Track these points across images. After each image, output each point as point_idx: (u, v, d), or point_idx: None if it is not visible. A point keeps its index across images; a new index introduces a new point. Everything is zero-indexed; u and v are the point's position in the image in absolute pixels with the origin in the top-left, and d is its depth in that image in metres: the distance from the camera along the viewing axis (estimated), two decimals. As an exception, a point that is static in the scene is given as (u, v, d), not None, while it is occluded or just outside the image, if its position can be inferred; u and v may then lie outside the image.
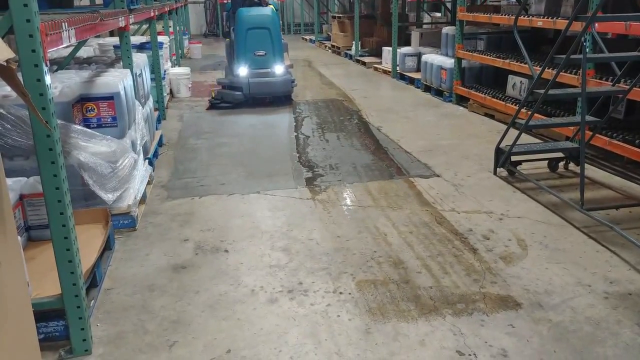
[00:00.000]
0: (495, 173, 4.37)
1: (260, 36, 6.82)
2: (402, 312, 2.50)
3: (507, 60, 5.76)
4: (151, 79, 5.64)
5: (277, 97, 7.10)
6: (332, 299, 2.60)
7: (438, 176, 4.36)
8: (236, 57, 6.88)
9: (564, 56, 3.49)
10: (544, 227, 3.39)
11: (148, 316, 2.50)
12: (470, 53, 6.61)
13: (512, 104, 5.71)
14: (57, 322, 2.26)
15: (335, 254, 3.06)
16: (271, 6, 7.42)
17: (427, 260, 2.98)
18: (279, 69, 6.91)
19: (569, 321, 2.42)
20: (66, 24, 2.26)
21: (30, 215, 2.90)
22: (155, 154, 4.78)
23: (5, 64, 1.29)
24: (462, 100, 6.94)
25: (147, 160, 4.18)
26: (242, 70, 6.79)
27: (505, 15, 5.86)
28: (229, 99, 6.89)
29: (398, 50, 9.09)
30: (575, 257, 2.99)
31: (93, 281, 2.68)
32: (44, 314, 2.19)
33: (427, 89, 7.85)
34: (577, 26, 3.89)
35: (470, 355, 2.19)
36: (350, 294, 2.65)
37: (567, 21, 3.57)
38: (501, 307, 2.53)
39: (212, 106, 6.93)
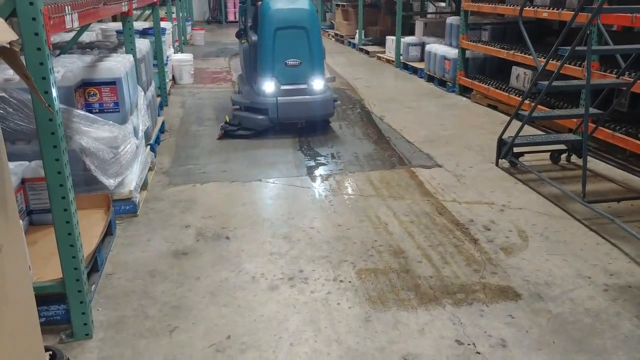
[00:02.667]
0: (497, 164, 4.36)
1: (294, 39, 4.91)
2: (402, 301, 2.50)
3: (511, 51, 5.72)
4: (154, 65, 5.62)
5: (313, 122, 5.27)
6: (332, 287, 2.61)
7: (440, 166, 4.36)
8: (260, 67, 4.97)
9: (568, 48, 3.47)
10: (545, 218, 3.39)
11: (149, 301, 2.51)
12: (474, 43, 6.57)
13: (515, 95, 5.68)
14: (58, 306, 2.27)
15: (336, 243, 3.06)
16: None
17: (427, 250, 2.98)
18: (318, 84, 5.00)
19: (568, 312, 2.42)
20: (69, 7, 2.25)
21: (32, 199, 2.90)
22: (157, 140, 4.77)
23: (8, 46, 1.28)
24: (465, 91, 6.91)
25: (149, 147, 4.17)
26: (268, 86, 4.91)
27: (510, 5, 5.81)
28: (248, 125, 5.03)
29: (402, 39, 9.04)
30: (575, 249, 2.99)
31: (94, 266, 2.69)
32: (45, 297, 2.19)
33: (431, 79, 7.81)
34: (583, 18, 3.87)
35: (469, 344, 2.20)
36: (350, 282, 2.66)
37: (573, 13, 3.55)
38: (501, 298, 2.54)
39: (227, 134, 5.05)
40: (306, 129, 5.20)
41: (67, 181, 2.07)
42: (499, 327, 2.31)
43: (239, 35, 5.76)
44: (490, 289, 2.61)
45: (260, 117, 4.98)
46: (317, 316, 2.38)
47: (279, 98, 4.90)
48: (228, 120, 5.13)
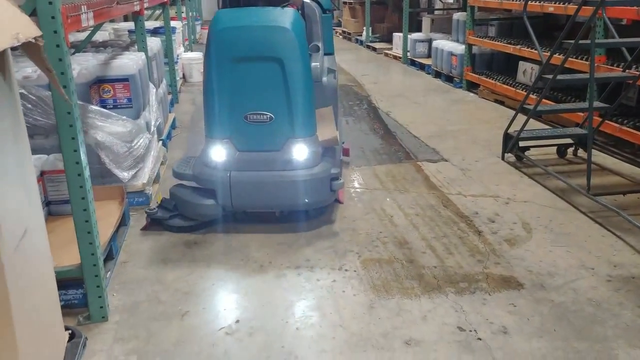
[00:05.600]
0: (503, 158, 4.41)
1: (261, 78, 2.94)
2: (406, 289, 2.57)
3: (518, 46, 5.76)
4: (164, 63, 5.72)
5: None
6: (337, 276, 2.69)
7: (446, 160, 4.41)
8: (206, 119, 3.10)
9: (573, 41, 3.51)
10: (550, 211, 3.43)
11: (161, 287, 2.60)
12: (480, 39, 6.60)
13: (522, 90, 5.71)
14: (76, 290, 2.37)
15: (342, 234, 3.13)
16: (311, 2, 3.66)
17: (431, 241, 3.05)
18: (300, 152, 3.05)
19: (570, 302, 2.48)
20: (85, 6, 2.35)
21: (50, 191, 3.00)
22: (169, 136, 4.87)
23: (33, 40, 1.38)
24: (472, 87, 6.95)
25: (161, 142, 4.27)
26: (217, 152, 3.06)
27: (516, 0, 5.84)
28: (186, 212, 3.14)
29: (409, 36, 9.08)
30: (580, 241, 3.04)
31: (109, 254, 2.79)
32: (63, 282, 2.29)
33: (438, 75, 7.85)
34: (589, 12, 3.90)
35: (470, 331, 2.27)
36: (355, 271, 2.73)
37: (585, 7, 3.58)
38: (503, 287, 2.60)
39: (153, 223, 3.21)
40: (286, 218, 3.29)
41: (84, 171, 2.16)
42: (501, 315, 2.38)
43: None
44: (493, 279, 2.67)
45: (206, 201, 3.07)
46: (322, 303, 2.46)
47: (233, 173, 3.02)
48: (160, 202, 3.29)
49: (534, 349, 2.16)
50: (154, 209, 3.19)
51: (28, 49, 1.44)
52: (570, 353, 2.14)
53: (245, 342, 2.21)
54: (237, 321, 2.34)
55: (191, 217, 3.14)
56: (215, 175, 3.04)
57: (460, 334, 2.25)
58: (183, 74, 7.77)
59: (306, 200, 3.10)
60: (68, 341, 2.01)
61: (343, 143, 3.24)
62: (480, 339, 2.22)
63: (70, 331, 2.04)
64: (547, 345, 2.18)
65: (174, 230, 3.14)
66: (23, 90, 2.98)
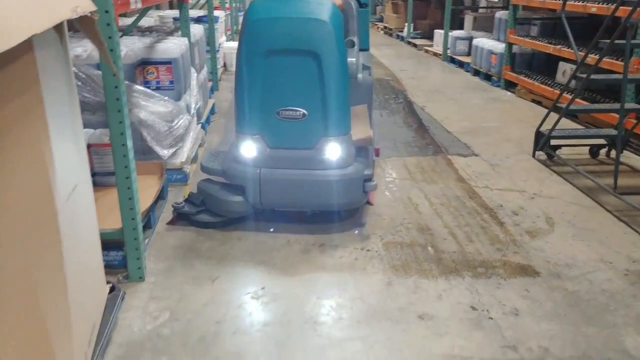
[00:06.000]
0: (534, 156, 4.43)
1: (296, 72, 2.86)
2: (424, 270, 2.68)
3: (558, 47, 5.72)
4: (206, 52, 5.94)
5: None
6: (359, 255, 2.81)
7: (476, 155, 4.46)
8: (236, 114, 3.04)
9: (608, 41, 3.51)
10: (575, 207, 3.46)
11: (195, 255, 2.79)
12: (521, 38, 6.57)
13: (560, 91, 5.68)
14: (116, 252, 2.58)
15: (367, 218, 3.25)
16: None
17: (454, 229, 3.13)
18: (333, 151, 2.96)
19: (584, 291, 2.53)
20: (136, -11, 2.54)
21: (96, 163, 3.23)
22: (208, 121, 5.08)
23: (89, 14, 1.55)
24: (510, 86, 6.92)
25: (199, 125, 4.48)
26: (247, 148, 2.99)
27: (559, 0, 5.79)
28: (214, 207, 3.09)
29: (450, 33, 9.07)
30: (601, 237, 3.07)
31: (148, 223, 2.99)
32: (105, 244, 2.49)
33: (476, 73, 7.83)
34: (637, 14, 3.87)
35: (483, 311, 2.36)
36: (377, 252, 2.85)
37: (624, 7, 3.58)
38: (519, 274, 2.67)
39: (181, 218, 3.17)
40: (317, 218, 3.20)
41: (127, 141, 2.36)
42: (514, 299, 2.45)
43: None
44: (510, 266, 2.74)
45: (234, 198, 3.01)
46: (343, 277, 2.60)
47: (263, 170, 2.97)
48: (187, 196, 3.25)
49: (543, 330, 2.23)
50: (181, 203, 3.12)
51: (83, 23, 1.62)
52: (579, 336, 2.20)
53: (269, 306, 2.37)
54: (263, 288, 2.50)
55: (219, 214, 3.07)
56: (244, 172, 2.97)
57: (472, 313, 2.34)
58: (224, 63, 8.00)
59: (338, 201, 3.02)
60: (108, 294, 2.21)
61: (369, 141, 3.17)
62: (491, 318, 2.31)
63: (110, 285, 2.24)
64: (556, 328, 2.25)
65: (200, 225, 3.07)
66: (74, 68, 3.21)
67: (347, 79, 2.96)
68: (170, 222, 3.16)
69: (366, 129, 3.22)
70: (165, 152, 3.53)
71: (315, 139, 2.93)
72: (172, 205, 3.16)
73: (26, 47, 1.37)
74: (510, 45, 6.84)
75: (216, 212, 3.08)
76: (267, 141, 2.95)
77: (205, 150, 4.45)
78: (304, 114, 2.88)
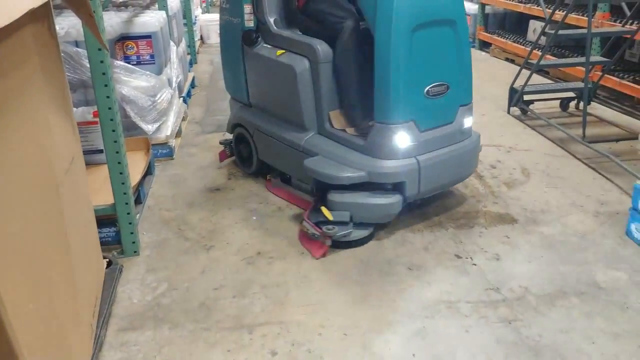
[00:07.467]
0: (509, 112, 4.58)
1: (439, 45, 2.66)
2: (410, 225, 2.82)
3: (528, 5, 5.83)
4: (183, 25, 5.90)
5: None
6: (347, 214, 2.93)
7: (453, 115, 4.58)
8: (380, 103, 2.60)
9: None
10: (548, 158, 3.63)
11: (187, 227, 2.88)
12: (492, -3, 6.65)
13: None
14: (109, 228, 2.61)
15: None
16: None
17: (435, 185, 3.27)
18: (468, 119, 2.87)
19: (558, 234, 2.71)
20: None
21: (81, 141, 3.26)
22: (189, 94, 5.10)
23: (79, -11, 1.60)
24: (485, 46, 7.04)
25: (181, 99, 4.50)
26: (401, 138, 2.60)
27: (528, -42, 5.88)
28: (366, 217, 2.67)
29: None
30: (573, 183, 3.25)
31: (137, 199, 3.04)
32: (98, 220, 2.53)
33: (450, 35, 7.90)
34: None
35: (467, 258, 2.52)
36: (364, 210, 2.97)
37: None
38: (499, 222, 2.83)
39: (332, 245, 2.61)
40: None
41: (116, 116, 2.40)
42: (495, 245, 2.62)
43: (250, 38, 3.06)
44: (490, 216, 2.90)
45: (388, 199, 2.63)
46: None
47: (419, 157, 2.65)
48: (331, 218, 2.62)
49: (523, 272, 2.40)
50: (333, 227, 2.55)
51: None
52: (555, 275, 2.38)
53: (265, 269, 2.48)
54: (259, 253, 2.61)
55: (369, 222, 2.68)
56: (401, 165, 2.59)
57: (457, 260, 2.50)
58: (201, 36, 7.93)
59: (468, 171, 2.94)
60: (106, 268, 2.29)
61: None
62: (475, 264, 2.47)
63: (107, 260, 2.32)
64: (535, 269, 2.42)
65: (351, 245, 2.63)
66: (55, 47, 3.21)
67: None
68: (320, 256, 2.58)
69: None
70: (149, 127, 3.57)
71: (455, 110, 2.78)
72: (324, 232, 2.54)
73: (25, 20, 1.42)
74: (483, 6, 6.93)
75: (367, 221, 2.67)
76: (419, 125, 2.64)
77: (188, 123, 4.48)
78: (447, 87, 2.68)
